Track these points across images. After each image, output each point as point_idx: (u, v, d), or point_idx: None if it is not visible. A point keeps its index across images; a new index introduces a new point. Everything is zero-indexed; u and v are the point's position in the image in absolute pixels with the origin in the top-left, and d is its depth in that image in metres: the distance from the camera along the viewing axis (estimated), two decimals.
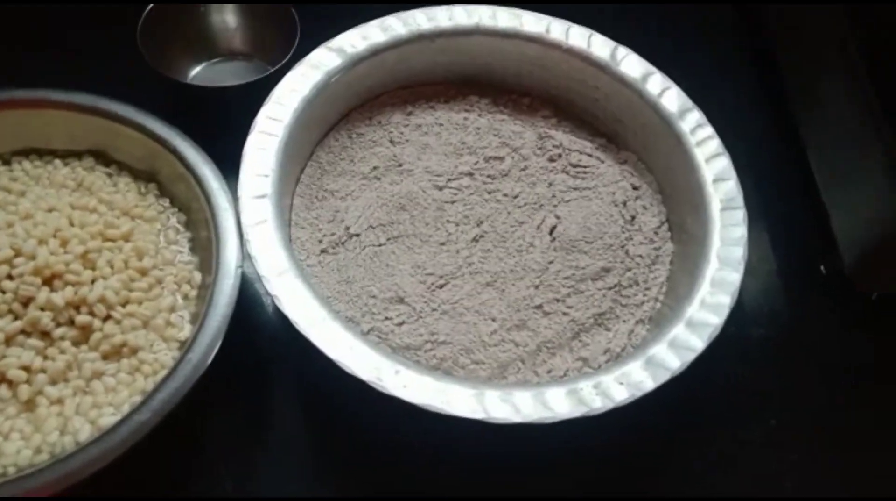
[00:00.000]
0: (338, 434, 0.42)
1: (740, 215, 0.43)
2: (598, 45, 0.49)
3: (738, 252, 0.42)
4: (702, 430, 0.44)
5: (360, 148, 0.49)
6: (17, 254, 0.37)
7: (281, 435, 0.42)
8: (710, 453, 0.43)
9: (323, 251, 0.44)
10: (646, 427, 0.41)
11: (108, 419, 0.36)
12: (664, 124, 0.47)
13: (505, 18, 0.49)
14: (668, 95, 0.47)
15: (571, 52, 0.49)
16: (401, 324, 0.42)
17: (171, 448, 0.39)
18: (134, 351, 0.38)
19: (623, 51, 0.49)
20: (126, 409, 0.36)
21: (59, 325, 0.37)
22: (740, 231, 0.43)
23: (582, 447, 0.40)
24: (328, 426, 0.42)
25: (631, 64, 0.49)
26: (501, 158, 0.48)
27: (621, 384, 0.37)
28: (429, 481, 0.41)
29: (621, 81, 0.48)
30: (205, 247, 0.42)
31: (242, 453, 0.41)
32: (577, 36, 0.49)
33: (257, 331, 0.44)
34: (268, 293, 0.37)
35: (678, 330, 0.39)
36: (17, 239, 0.37)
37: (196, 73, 0.53)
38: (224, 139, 0.43)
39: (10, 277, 0.36)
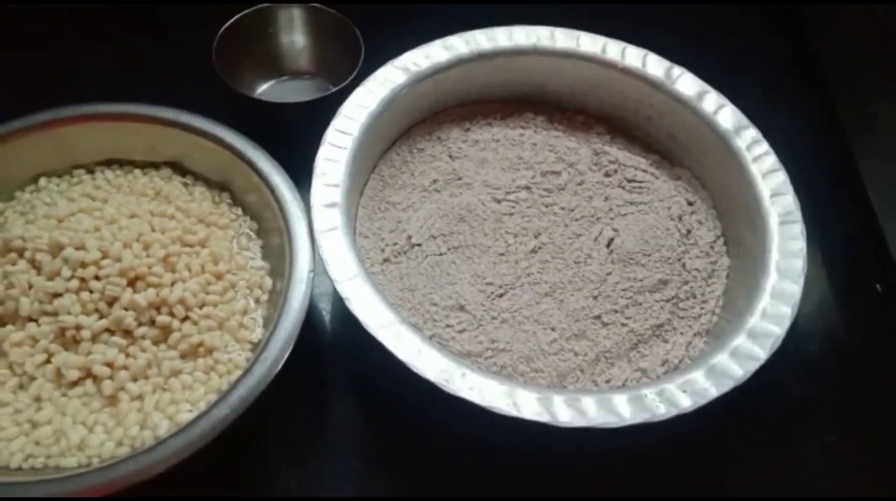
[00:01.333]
0: (394, 433, 0.43)
1: (798, 228, 0.44)
2: (653, 65, 0.50)
3: (798, 264, 0.42)
4: (756, 444, 0.44)
5: (421, 162, 0.50)
6: (105, 256, 0.39)
7: (339, 434, 0.43)
8: (765, 466, 0.43)
9: (385, 260, 0.46)
10: (699, 437, 0.42)
11: (185, 415, 0.37)
12: (720, 141, 0.48)
13: (562, 39, 0.51)
14: (724, 113, 0.48)
15: (627, 72, 0.50)
16: (461, 331, 0.43)
17: (236, 446, 0.40)
18: (210, 351, 0.39)
19: (678, 70, 0.50)
20: (202, 406, 0.38)
21: (140, 324, 0.39)
22: (799, 244, 0.43)
23: (634, 451, 0.41)
24: (385, 424, 0.43)
25: (686, 82, 0.50)
26: (558, 173, 0.50)
27: (684, 391, 0.37)
28: (480, 479, 0.41)
29: (676, 98, 0.50)
30: (275, 254, 0.43)
31: (303, 450, 0.42)
32: (632, 56, 0.51)
33: (316, 332, 0.46)
34: (334, 296, 0.38)
35: (740, 340, 0.40)
36: (105, 242, 0.39)
37: (263, 89, 0.56)
38: (290, 151, 0.45)
39: (97, 277, 0.38)
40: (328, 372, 0.44)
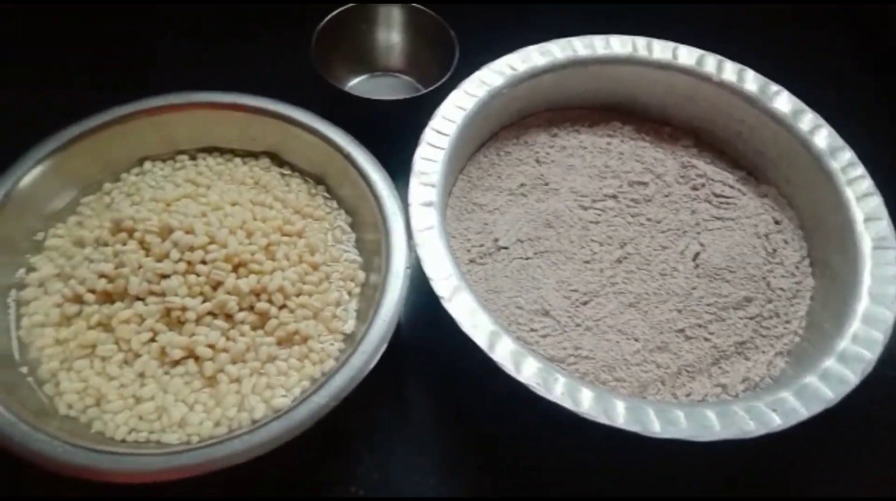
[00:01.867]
0: (475, 431, 0.43)
1: (893, 254, 0.43)
2: (750, 81, 0.50)
3: (892, 290, 0.42)
4: (837, 466, 0.44)
5: (508, 165, 0.51)
6: (211, 241, 0.40)
7: (420, 429, 0.44)
8: (845, 488, 0.43)
9: (471, 261, 0.46)
10: (779, 457, 0.42)
11: (280, 400, 0.38)
12: (814, 161, 0.47)
13: (659, 50, 0.51)
14: (820, 134, 0.48)
15: (723, 86, 0.50)
16: (545, 336, 0.43)
17: (323, 434, 0.41)
18: (304, 339, 0.40)
19: (775, 87, 0.50)
20: (297, 392, 0.39)
21: (240, 309, 0.40)
22: (893, 270, 0.43)
23: (712, 466, 0.41)
24: (466, 421, 0.44)
25: (782, 100, 0.49)
26: (645, 184, 0.50)
27: (774, 410, 0.37)
28: (559, 482, 0.42)
29: (771, 115, 0.49)
30: (368, 248, 0.44)
31: (384, 442, 0.43)
32: (729, 70, 0.50)
33: (400, 327, 0.46)
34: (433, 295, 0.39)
35: (830, 363, 0.39)
36: (212, 228, 0.40)
37: (353, 84, 0.57)
38: (381, 147, 0.46)
39: (203, 262, 0.40)
40: (409, 366, 0.45)
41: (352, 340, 0.41)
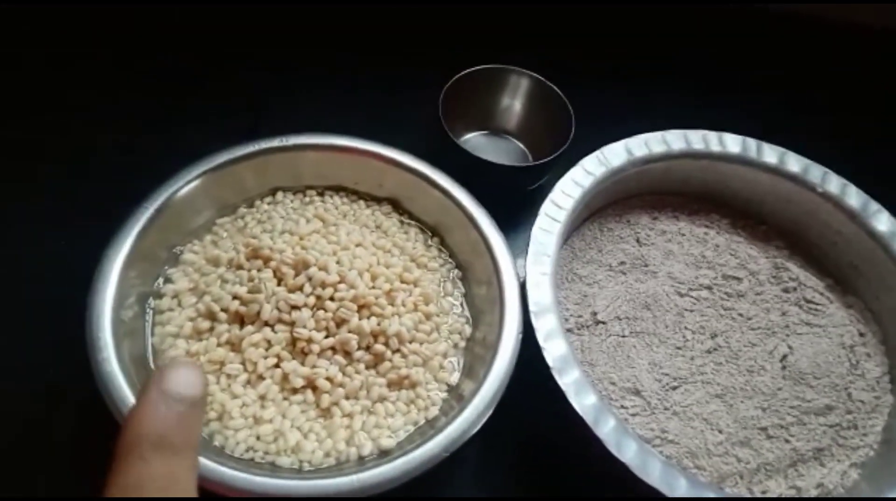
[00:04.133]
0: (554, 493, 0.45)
1: None
2: (853, 195, 0.52)
3: None
4: None
5: (609, 241, 0.53)
6: (342, 280, 0.42)
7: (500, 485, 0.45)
8: None
9: (569, 330, 0.49)
10: None
11: (387, 441, 0.40)
12: None
13: (769, 154, 0.53)
14: None
15: (825, 197, 0.52)
16: (635, 415, 0.45)
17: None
18: (413, 385, 0.43)
19: (875, 206, 0.52)
20: (401, 435, 0.41)
21: (359, 348, 0.42)
22: None
23: None
24: (548, 485, 0.46)
25: (882, 220, 0.51)
26: (739, 279, 0.52)
27: None
28: None
29: (869, 233, 0.51)
30: (475, 304, 0.47)
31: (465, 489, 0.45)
32: (833, 183, 0.53)
33: None
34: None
35: None
36: (343, 267, 0.43)
37: (466, 138, 0.60)
38: (489, 206, 0.48)
39: (331, 298, 0.42)
40: (501, 425, 0.47)
41: (455, 392, 0.43)
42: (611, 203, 0.55)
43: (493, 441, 0.45)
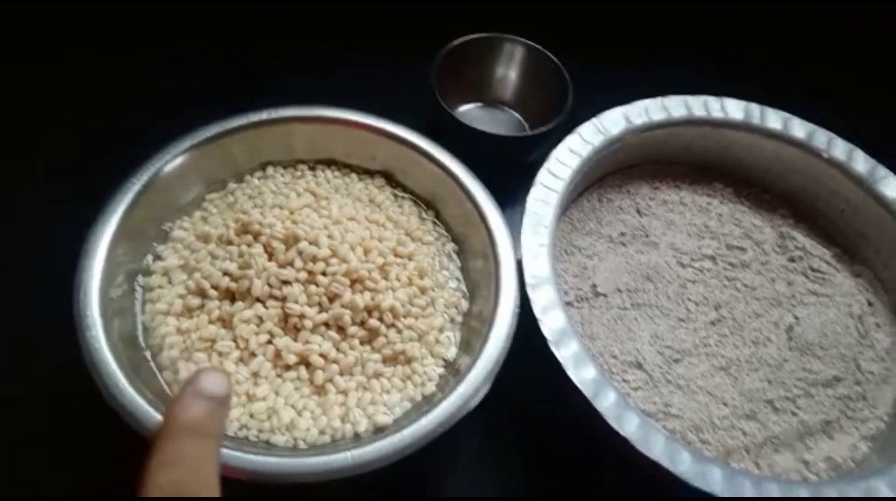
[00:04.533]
0: (558, 471, 0.44)
1: None
2: (860, 161, 0.51)
3: None
4: None
5: (609, 212, 0.52)
6: (333, 255, 0.41)
7: (503, 461, 0.45)
8: None
9: (568, 304, 0.47)
10: None
11: (382, 417, 0.39)
12: None
13: (773, 119, 0.52)
14: None
15: (831, 163, 0.51)
16: (637, 389, 0.44)
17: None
18: (409, 361, 0.42)
19: (883, 170, 0.50)
20: (398, 411, 0.40)
21: (353, 324, 0.41)
22: None
23: None
24: (551, 461, 0.45)
25: (890, 185, 0.50)
26: (743, 249, 0.50)
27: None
28: None
29: (877, 199, 0.50)
30: (472, 277, 0.46)
31: (467, 470, 0.44)
32: (839, 148, 0.51)
33: None
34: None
35: None
36: (335, 242, 0.42)
37: (462, 110, 0.58)
38: (485, 178, 0.47)
39: (323, 273, 0.41)
40: (501, 400, 0.46)
41: (452, 367, 0.42)
42: (610, 173, 0.54)
43: (494, 416, 0.44)
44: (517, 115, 0.59)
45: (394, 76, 0.59)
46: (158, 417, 0.35)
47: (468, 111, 0.59)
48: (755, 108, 0.52)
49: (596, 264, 0.49)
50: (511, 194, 0.50)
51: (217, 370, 0.30)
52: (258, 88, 0.59)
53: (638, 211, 0.52)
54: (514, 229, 0.45)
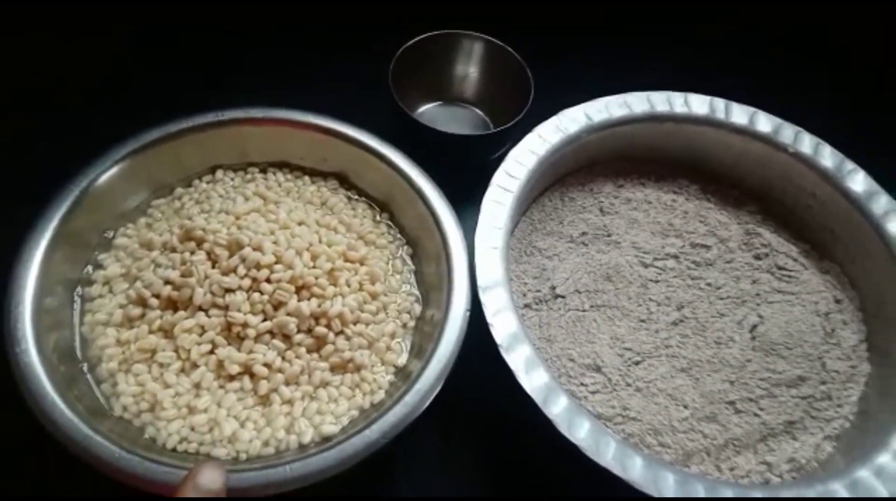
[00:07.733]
0: (514, 476, 0.43)
1: None
2: (827, 156, 0.49)
3: None
4: None
5: (571, 212, 0.51)
6: (278, 261, 0.40)
7: (460, 468, 0.43)
8: None
9: (526, 306, 0.46)
10: None
11: (329, 427, 0.38)
12: (886, 247, 0.46)
13: (737, 114, 0.50)
14: (893, 219, 0.47)
15: (798, 157, 0.50)
16: (595, 392, 0.43)
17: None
18: (357, 368, 0.40)
19: (850, 165, 0.49)
20: (345, 421, 0.39)
21: (299, 331, 0.40)
22: None
23: None
24: (507, 466, 0.44)
25: (856, 180, 0.49)
26: (708, 247, 0.49)
27: None
28: None
29: (844, 194, 0.49)
30: (426, 281, 0.44)
31: (424, 477, 0.43)
32: (806, 143, 0.50)
33: None
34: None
35: (885, 459, 0.39)
36: (280, 247, 0.41)
37: (423, 110, 0.57)
38: (444, 178, 0.46)
39: (268, 280, 0.40)
40: (456, 405, 0.45)
41: (403, 373, 0.41)
42: (573, 171, 0.53)
43: (450, 420, 0.44)
44: (480, 112, 0.58)
45: (352, 76, 0.57)
46: (90, 432, 0.33)
47: (429, 110, 0.58)
48: (720, 102, 0.51)
49: (556, 264, 0.48)
50: (473, 194, 0.48)
51: (213, 463, 0.31)
52: (213, 89, 0.58)
53: (601, 210, 0.51)
54: (472, 230, 0.44)
